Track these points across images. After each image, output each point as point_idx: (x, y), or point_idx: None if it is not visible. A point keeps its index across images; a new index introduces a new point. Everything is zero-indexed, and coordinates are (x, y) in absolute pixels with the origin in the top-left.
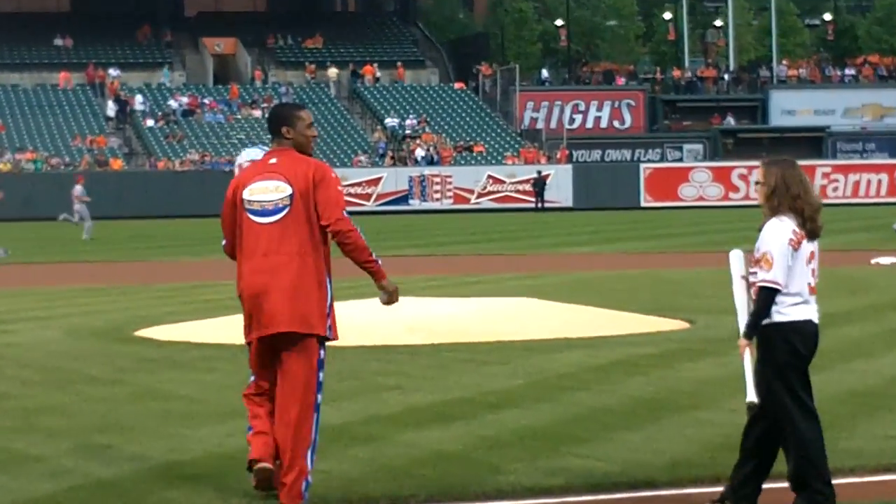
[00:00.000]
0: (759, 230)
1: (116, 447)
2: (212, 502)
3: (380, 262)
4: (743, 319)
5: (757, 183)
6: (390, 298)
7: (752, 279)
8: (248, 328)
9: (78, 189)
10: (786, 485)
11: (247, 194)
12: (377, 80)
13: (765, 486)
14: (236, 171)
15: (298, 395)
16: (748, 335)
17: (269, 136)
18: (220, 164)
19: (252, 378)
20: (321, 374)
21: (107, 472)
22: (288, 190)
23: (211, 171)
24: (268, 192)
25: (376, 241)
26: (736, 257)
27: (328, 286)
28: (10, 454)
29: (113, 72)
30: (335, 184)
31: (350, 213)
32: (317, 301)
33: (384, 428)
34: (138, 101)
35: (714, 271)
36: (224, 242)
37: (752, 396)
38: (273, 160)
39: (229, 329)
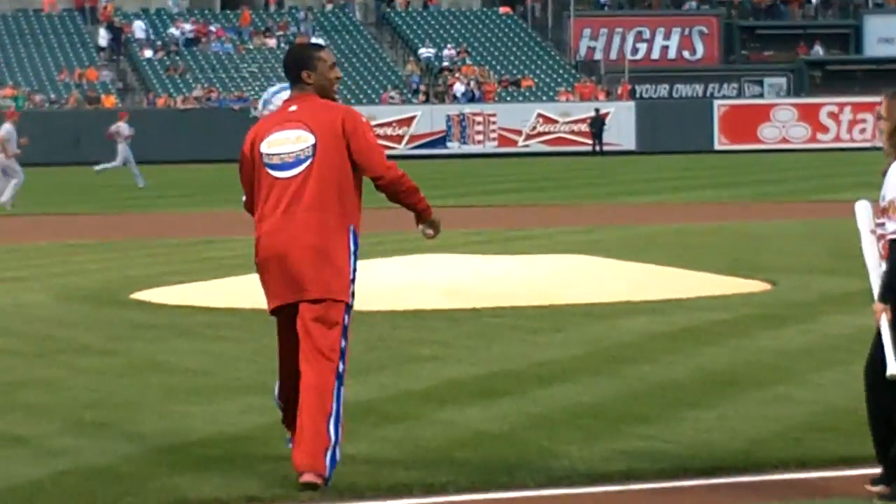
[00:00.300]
0: (884, 174)
1: (111, 427)
2: (220, 489)
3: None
4: (876, 281)
5: (879, 118)
6: (437, 230)
7: (879, 232)
8: (276, 291)
9: (122, 127)
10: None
11: (265, 147)
12: (409, 3)
13: (856, 471)
14: (261, 111)
15: (319, 360)
16: (883, 298)
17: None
18: (228, 101)
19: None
20: (343, 342)
21: (100, 455)
22: (311, 139)
23: (218, 110)
24: (288, 143)
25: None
26: (862, 208)
27: (354, 247)
28: None
29: None
30: (369, 130)
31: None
32: (342, 264)
33: (418, 405)
34: (137, 29)
35: (800, 223)
36: (244, 199)
37: (893, 369)
38: (293, 107)
39: (239, 291)
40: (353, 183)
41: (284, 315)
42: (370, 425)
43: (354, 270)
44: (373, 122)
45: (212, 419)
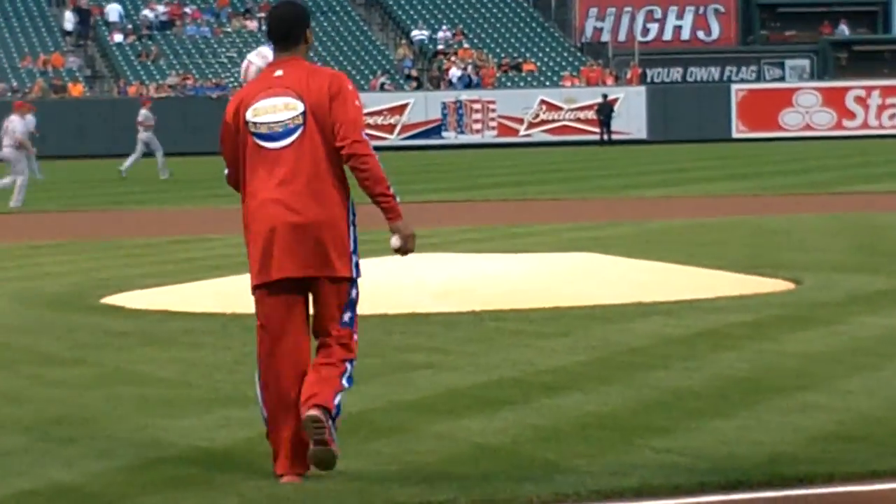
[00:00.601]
0: None
1: (79, 442)
2: None
3: (398, 199)
4: None
5: None
6: (404, 245)
7: None
8: (260, 271)
9: (142, 114)
10: None
11: (250, 115)
12: None
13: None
14: (250, 74)
15: (329, 350)
16: None
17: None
18: (205, 88)
19: (258, 379)
20: (346, 316)
21: (67, 473)
22: (300, 107)
23: (194, 98)
24: (276, 111)
25: (400, 185)
26: None
27: (353, 216)
28: None
29: None
30: (353, 98)
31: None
32: (343, 238)
33: (413, 417)
34: (112, 12)
35: (824, 217)
36: (226, 172)
37: None
38: (279, 72)
39: (217, 295)
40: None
41: (276, 288)
42: (361, 439)
43: (356, 241)
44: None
45: (188, 434)
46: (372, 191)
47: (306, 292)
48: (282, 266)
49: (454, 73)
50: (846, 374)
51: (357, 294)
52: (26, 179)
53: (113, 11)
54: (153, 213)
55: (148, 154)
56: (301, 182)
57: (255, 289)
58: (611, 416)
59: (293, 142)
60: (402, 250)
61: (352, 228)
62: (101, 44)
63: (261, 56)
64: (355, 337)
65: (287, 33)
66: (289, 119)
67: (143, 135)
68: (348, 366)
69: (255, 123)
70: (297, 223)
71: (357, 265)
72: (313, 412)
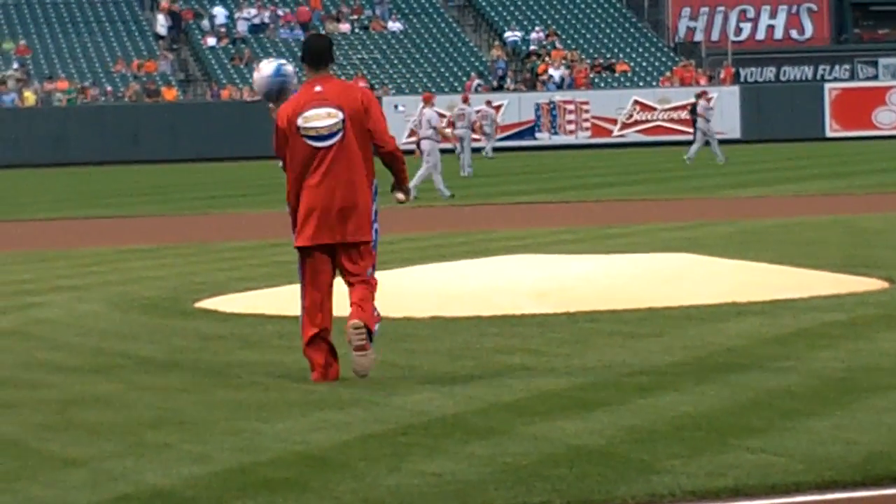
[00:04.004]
0: None
1: (174, 447)
2: None
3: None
4: None
5: None
6: (408, 196)
7: None
8: (310, 234)
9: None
10: None
11: (302, 122)
12: None
13: None
14: (286, 85)
15: (360, 283)
16: None
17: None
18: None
19: (301, 312)
20: (372, 263)
21: (163, 478)
22: (339, 116)
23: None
24: (321, 118)
25: (494, 185)
26: None
27: (375, 195)
28: (42, 457)
29: None
30: (379, 107)
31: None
32: (368, 213)
33: (508, 418)
34: (220, 15)
35: None
36: (281, 164)
37: None
38: (318, 88)
39: None
40: (370, 148)
41: (318, 252)
42: (457, 441)
43: (376, 213)
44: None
45: (283, 437)
46: (399, 172)
47: (334, 252)
48: (316, 237)
49: (547, 73)
50: None
51: (375, 245)
52: (438, 170)
53: (221, 15)
54: (246, 216)
55: None
56: (342, 173)
57: (299, 249)
58: (706, 417)
59: (336, 142)
60: (405, 202)
61: (374, 204)
62: (194, 47)
63: (259, 79)
64: (374, 276)
65: (322, 57)
66: (332, 125)
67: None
68: (375, 313)
69: (305, 128)
70: (336, 203)
71: (376, 231)
72: (357, 321)
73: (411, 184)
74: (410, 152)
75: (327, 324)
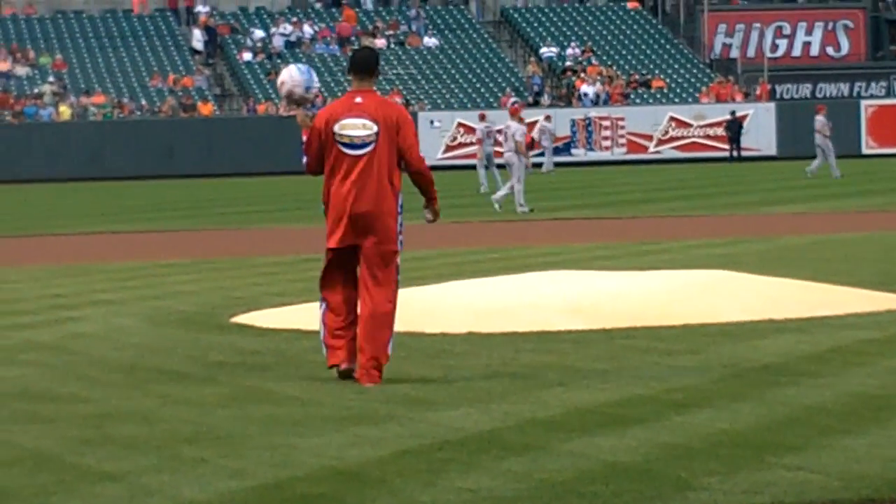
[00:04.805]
0: None
1: (211, 461)
2: None
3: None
4: None
5: None
6: (436, 216)
7: None
8: (340, 236)
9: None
10: None
11: (338, 128)
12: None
13: None
14: (283, 91)
15: (381, 292)
16: None
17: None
18: None
19: (323, 307)
20: (397, 275)
21: (199, 493)
22: (374, 128)
23: None
24: (356, 128)
25: (530, 202)
26: None
27: (400, 208)
28: (78, 471)
29: None
30: (412, 125)
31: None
32: (395, 221)
33: (544, 435)
34: (254, 32)
35: None
36: (305, 161)
37: None
38: (358, 99)
39: None
40: (398, 161)
41: (346, 253)
42: (492, 457)
43: (402, 224)
44: (492, 127)
45: (319, 452)
46: (428, 191)
47: (358, 254)
48: (344, 239)
49: (584, 90)
50: None
51: (399, 261)
52: (521, 185)
53: (257, 33)
54: (282, 230)
55: None
56: (369, 182)
57: (330, 250)
58: (742, 434)
59: (368, 152)
60: (433, 221)
61: (399, 215)
62: (230, 62)
63: (290, 76)
64: (395, 286)
65: (368, 69)
66: (366, 135)
67: (819, 139)
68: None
69: (340, 135)
70: (366, 209)
71: (401, 242)
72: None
73: (494, 197)
74: (502, 166)
75: (353, 317)
